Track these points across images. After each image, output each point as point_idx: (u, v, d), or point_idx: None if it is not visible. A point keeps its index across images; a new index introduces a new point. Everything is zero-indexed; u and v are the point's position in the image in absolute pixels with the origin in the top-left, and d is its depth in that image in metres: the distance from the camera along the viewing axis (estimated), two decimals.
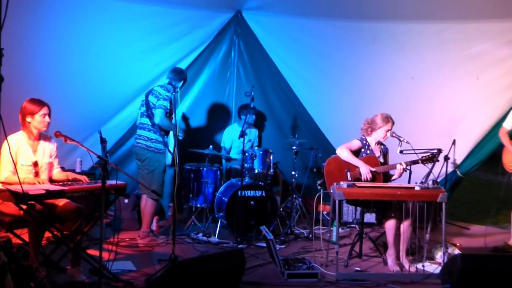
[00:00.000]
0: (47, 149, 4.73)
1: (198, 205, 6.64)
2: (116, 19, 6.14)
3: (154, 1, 6.24)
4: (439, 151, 5.61)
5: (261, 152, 6.47)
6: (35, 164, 4.61)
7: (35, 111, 4.55)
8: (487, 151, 6.79)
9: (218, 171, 6.77)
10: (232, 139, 7.01)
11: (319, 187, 6.58)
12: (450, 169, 6.34)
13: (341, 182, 5.23)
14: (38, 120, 4.55)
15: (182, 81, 6.01)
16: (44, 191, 4.12)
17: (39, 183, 4.45)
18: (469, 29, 6.39)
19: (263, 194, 6.19)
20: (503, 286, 4.68)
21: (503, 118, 6.49)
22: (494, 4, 6.04)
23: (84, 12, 5.89)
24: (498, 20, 6.23)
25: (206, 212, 6.61)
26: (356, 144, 5.63)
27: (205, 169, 6.66)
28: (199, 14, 6.82)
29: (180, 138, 5.82)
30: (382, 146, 5.71)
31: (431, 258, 5.56)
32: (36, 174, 4.60)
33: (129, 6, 6.11)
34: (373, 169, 5.48)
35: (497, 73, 6.51)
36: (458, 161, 6.60)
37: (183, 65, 6.88)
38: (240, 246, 5.75)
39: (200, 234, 6.15)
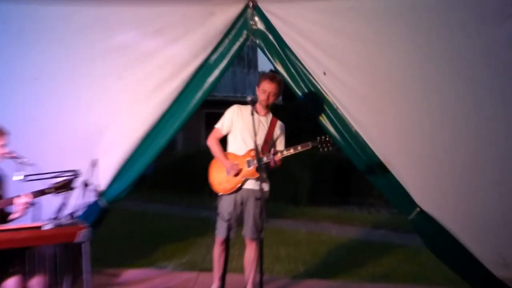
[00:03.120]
0: None
1: None
2: None
3: None
4: (75, 174, 2.36)
5: None
6: None
7: None
8: (138, 171, 3.48)
9: None
10: None
11: None
12: (92, 199, 2.95)
13: None
14: None
15: None
16: None
17: None
18: (108, 14, 3.20)
19: None
20: None
21: (156, 127, 3.56)
22: None
23: None
24: (144, 5, 3.24)
25: None
26: None
27: None
28: None
29: None
30: None
31: None
32: None
33: None
34: None
35: (144, 71, 3.36)
36: (103, 187, 3.32)
37: None
38: None
39: None
